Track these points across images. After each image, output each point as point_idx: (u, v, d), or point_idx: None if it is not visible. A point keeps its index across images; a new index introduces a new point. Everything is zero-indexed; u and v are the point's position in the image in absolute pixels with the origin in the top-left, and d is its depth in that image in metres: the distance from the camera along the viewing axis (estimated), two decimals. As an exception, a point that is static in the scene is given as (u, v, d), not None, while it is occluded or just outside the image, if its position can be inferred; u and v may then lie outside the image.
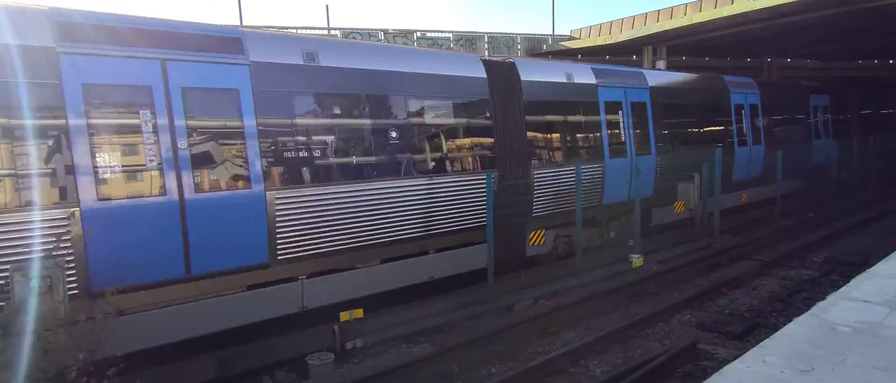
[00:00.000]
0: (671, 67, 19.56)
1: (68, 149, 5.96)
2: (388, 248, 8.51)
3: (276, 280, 7.47)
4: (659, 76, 14.17)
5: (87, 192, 6.03)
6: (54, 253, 5.80)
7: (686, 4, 22.03)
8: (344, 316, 7.75)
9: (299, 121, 7.81)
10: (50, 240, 5.80)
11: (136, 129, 6.46)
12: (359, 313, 7.90)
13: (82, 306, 5.60)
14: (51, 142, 5.98)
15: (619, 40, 21.72)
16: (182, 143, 6.65)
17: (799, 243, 13.28)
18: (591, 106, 11.66)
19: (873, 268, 6.75)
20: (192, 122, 6.80)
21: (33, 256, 5.56)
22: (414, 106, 9.05)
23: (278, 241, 7.35)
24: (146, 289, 6.51)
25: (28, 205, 5.76)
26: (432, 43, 25.67)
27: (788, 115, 18.75)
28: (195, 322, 6.78)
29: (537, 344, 7.94)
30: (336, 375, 6.77)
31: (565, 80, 11.31)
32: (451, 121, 9.58)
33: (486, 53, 26.21)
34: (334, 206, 7.79)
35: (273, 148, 7.42)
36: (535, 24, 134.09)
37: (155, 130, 6.50)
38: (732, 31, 18.52)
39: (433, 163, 9.20)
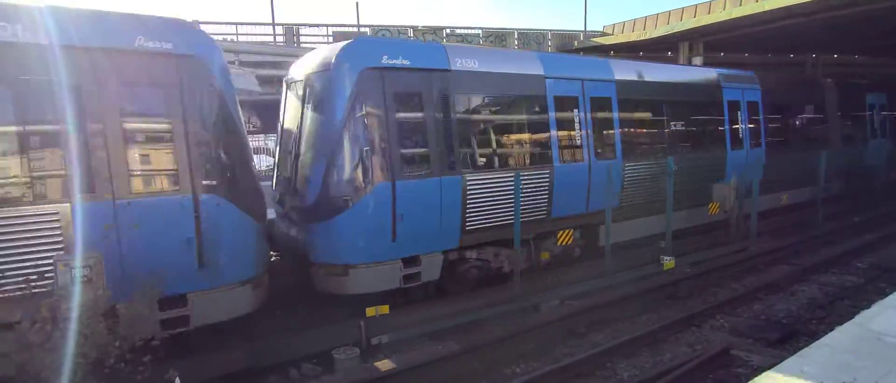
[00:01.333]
0: (708, 64, 18.98)
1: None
2: None
3: None
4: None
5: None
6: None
7: (725, -1, 21.42)
8: (370, 311, 7.80)
9: None
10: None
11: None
12: (385, 309, 7.94)
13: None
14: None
15: (653, 36, 21.26)
16: None
17: (842, 248, 12.76)
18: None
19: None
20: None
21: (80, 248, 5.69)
22: None
23: None
24: None
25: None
26: (462, 39, 25.63)
27: (810, 113, 17.06)
28: None
29: (564, 346, 7.85)
30: (361, 370, 6.82)
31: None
32: None
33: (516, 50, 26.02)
34: None
35: None
36: (566, 20, 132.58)
37: None
38: (775, 25, 17.84)
39: None
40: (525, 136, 9.84)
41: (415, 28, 25.21)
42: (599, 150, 10.59)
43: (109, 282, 5.56)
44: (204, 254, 6.43)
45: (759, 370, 6.39)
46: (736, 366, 7.00)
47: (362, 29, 25.16)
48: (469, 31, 26.41)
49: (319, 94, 8.12)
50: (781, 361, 4.24)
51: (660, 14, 23.58)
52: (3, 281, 5.40)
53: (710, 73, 13.89)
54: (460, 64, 8.75)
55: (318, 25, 24.59)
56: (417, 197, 8.08)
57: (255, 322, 7.38)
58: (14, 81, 5.61)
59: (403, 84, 8.19)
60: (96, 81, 5.95)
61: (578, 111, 10.29)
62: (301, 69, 8.74)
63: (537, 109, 9.82)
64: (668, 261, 10.82)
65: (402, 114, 8.15)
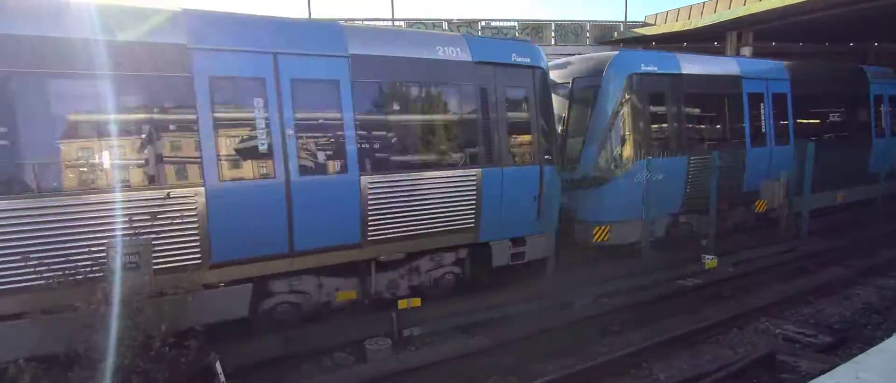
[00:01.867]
0: (758, 55, 18.20)
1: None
2: None
3: None
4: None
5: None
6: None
7: (778, -14, 20.45)
8: (402, 303, 7.82)
9: None
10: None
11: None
12: (416, 302, 7.95)
13: (165, 281, 5.92)
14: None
15: (699, 25, 20.55)
16: None
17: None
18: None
19: None
20: None
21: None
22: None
23: None
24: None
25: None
26: (497, 32, 25.37)
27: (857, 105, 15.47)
28: None
29: (598, 343, 7.68)
30: (393, 360, 6.85)
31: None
32: None
33: (553, 42, 25.60)
34: None
35: None
36: (605, 9, 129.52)
37: None
38: (834, 12, 16.94)
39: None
40: (725, 124, 12.27)
41: (449, 21, 25.09)
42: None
43: (492, 223, 8.35)
44: (541, 208, 8.82)
45: (807, 376, 6.10)
46: (782, 372, 6.69)
47: (397, 22, 25.20)
48: (505, 24, 26.11)
49: (592, 93, 10.61)
50: (833, 368, 4.00)
51: (706, 2, 22.68)
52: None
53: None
54: (687, 69, 11.34)
55: (353, 20, 24.72)
56: (661, 171, 10.61)
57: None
58: (459, 87, 8.27)
59: (653, 86, 10.92)
60: (495, 86, 8.34)
61: (764, 105, 12.65)
62: (565, 73, 11.24)
63: (735, 103, 12.21)
64: (710, 261, 10.46)
65: (652, 109, 10.88)
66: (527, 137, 8.86)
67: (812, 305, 9.11)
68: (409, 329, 7.57)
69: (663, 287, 9.46)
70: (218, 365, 5.93)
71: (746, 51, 19.73)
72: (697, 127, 12.03)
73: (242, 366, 6.40)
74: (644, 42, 23.11)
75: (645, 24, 25.72)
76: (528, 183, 8.68)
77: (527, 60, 8.70)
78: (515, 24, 26.12)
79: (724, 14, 19.81)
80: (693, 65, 11.60)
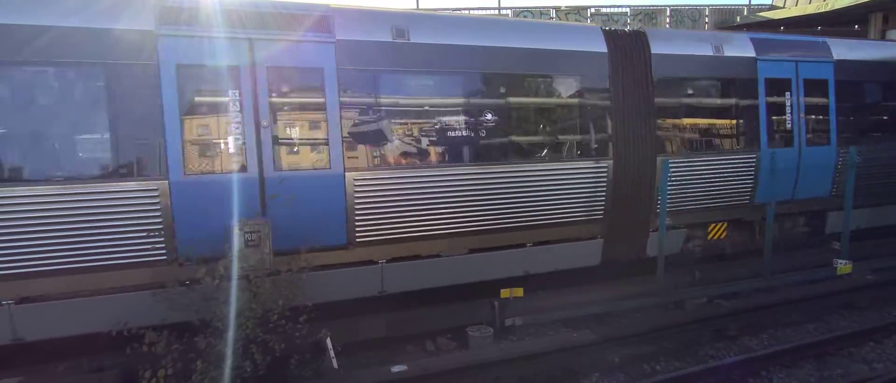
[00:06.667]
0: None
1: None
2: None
3: None
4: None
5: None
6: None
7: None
8: (504, 293, 7.85)
9: None
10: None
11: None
12: (519, 292, 7.94)
13: (282, 261, 6.34)
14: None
15: (836, 7, 18.43)
16: None
17: None
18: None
19: None
20: None
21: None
22: None
23: None
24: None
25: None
26: (607, 19, 24.37)
27: None
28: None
29: (710, 347, 7.28)
30: (495, 349, 6.92)
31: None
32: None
33: (668, 28, 24.17)
34: None
35: None
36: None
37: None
38: None
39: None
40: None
41: (557, 8, 24.43)
42: None
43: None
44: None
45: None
46: (929, 394, 5.97)
47: (503, 11, 25.02)
48: (615, 10, 24.98)
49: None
50: None
51: (844, -19, 20.31)
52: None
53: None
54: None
55: (459, 10, 24.90)
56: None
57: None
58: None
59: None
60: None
61: None
62: None
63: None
64: (844, 265, 9.43)
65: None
66: None
67: (972, 322, 7.98)
68: (512, 318, 7.60)
69: (787, 291, 8.71)
70: (328, 342, 6.28)
71: (894, 34, 17.45)
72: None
73: (349, 345, 6.74)
74: (771, 26, 21.17)
75: (772, 7, 23.53)
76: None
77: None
78: (627, 9, 24.90)
79: (868, -7, 17.62)
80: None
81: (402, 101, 7.43)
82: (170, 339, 5.41)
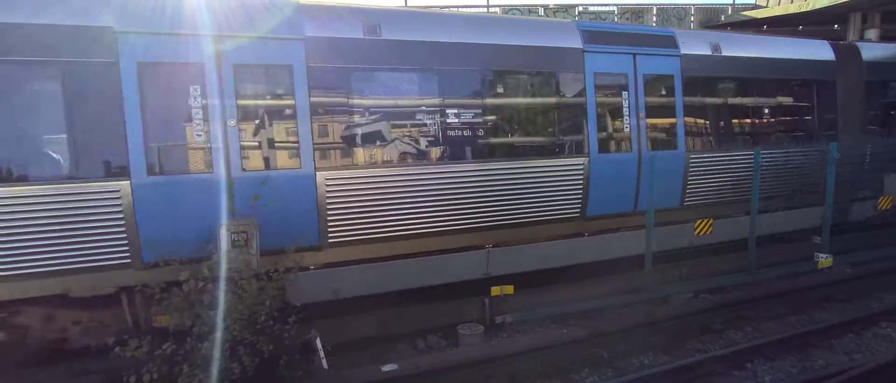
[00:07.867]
0: (885, 39, 16.32)
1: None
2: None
3: None
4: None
5: None
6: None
7: (912, -41, 18.18)
8: (494, 290, 7.91)
9: None
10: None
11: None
12: (509, 289, 8.00)
13: (268, 261, 6.28)
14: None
15: (817, 6, 18.72)
16: None
17: None
18: None
19: None
20: None
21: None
22: None
23: None
24: None
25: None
26: (595, 17, 24.50)
27: None
28: None
29: (697, 341, 7.41)
30: (485, 346, 6.97)
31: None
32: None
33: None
34: None
35: None
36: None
37: None
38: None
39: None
40: None
41: (545, 7, 24.46)
42: None
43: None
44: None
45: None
46: (907, 382, 6.13)
47: (492, 9, 25.02)
48: (603, 8, 25.07)
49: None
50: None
51: (825, -19, 20.63)
52: None
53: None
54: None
55: (448, 8, 24.86)
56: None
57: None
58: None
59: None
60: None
61: None
62: None
63: None
64: (825, 259, 9.63)
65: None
66: None
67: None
68: (502, 316, 7.66)
69: (771, 285, 8.88)
70: (318, 342, 6.27)
71: (872, 33, 17.75)
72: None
73: (339, 344, 6.72)
74: (754, 26, 21.45)
75: (755, 6, 23.84)
76: None
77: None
78: (614, 8, 25.01)
79: (848, -7, 17.92)
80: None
81: (378, 100, 7.19)
82: (153, 345, 5.34)
